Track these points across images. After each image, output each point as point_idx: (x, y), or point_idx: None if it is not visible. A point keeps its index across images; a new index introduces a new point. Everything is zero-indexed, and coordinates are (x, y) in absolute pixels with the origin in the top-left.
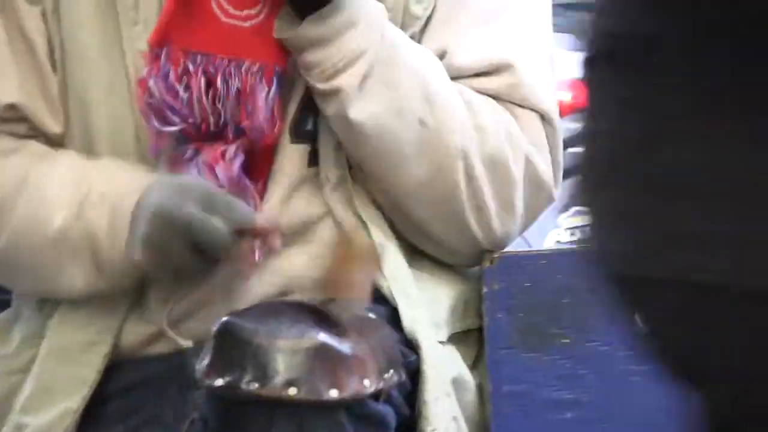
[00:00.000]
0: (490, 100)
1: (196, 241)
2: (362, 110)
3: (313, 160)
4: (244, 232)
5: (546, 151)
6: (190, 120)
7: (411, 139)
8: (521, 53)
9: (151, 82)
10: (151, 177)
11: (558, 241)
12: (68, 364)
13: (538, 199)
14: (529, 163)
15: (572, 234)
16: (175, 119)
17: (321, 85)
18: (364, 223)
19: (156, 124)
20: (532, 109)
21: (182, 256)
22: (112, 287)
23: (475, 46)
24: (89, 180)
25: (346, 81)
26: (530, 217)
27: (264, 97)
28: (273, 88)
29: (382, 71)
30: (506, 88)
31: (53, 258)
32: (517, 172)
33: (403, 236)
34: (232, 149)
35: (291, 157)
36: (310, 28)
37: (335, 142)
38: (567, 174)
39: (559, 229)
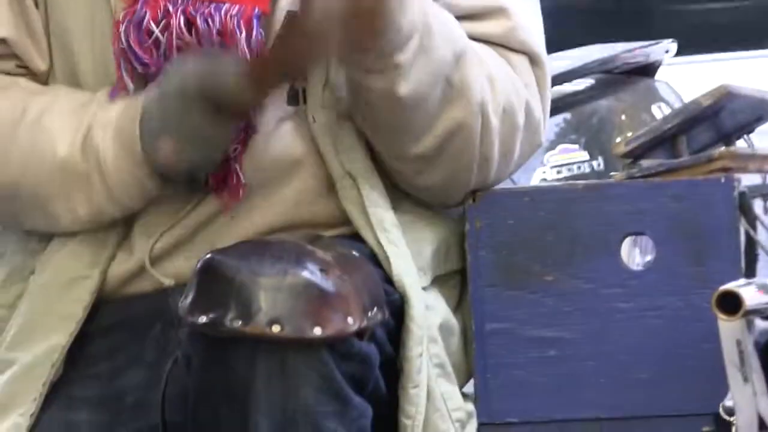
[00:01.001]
0: (488, 48)
1: (215, 103)
2: (409, 83)
3: (294, 99)
4: (253, 80)
5: (537, 95)
6: (153, 69)
7: (437, 98)
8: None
9: (122, 28)
10: (148, 88)
11: (544, 179)
12: (56, 299)
13: (531, 143)
14: (528, 108)
15: (558, 172)
16: (139, 66)
17: (377, 64)
18: (348, 172)
19: (124, 68)
20: (522, 52)
21: (206, 123)
22: (119, 211)
23: None
24: (91, 108)
25: (403, 57)
26: (522, 161)
27: (245, 38)
28: (254, 32)
29: (423, 41)
30: (503, 32)
31: (58, 188)
32: (521, 119)
33: (389, 181)
34: None
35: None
36: None
37: (322, 83)
38: (555, 111)
39: (545, 167)
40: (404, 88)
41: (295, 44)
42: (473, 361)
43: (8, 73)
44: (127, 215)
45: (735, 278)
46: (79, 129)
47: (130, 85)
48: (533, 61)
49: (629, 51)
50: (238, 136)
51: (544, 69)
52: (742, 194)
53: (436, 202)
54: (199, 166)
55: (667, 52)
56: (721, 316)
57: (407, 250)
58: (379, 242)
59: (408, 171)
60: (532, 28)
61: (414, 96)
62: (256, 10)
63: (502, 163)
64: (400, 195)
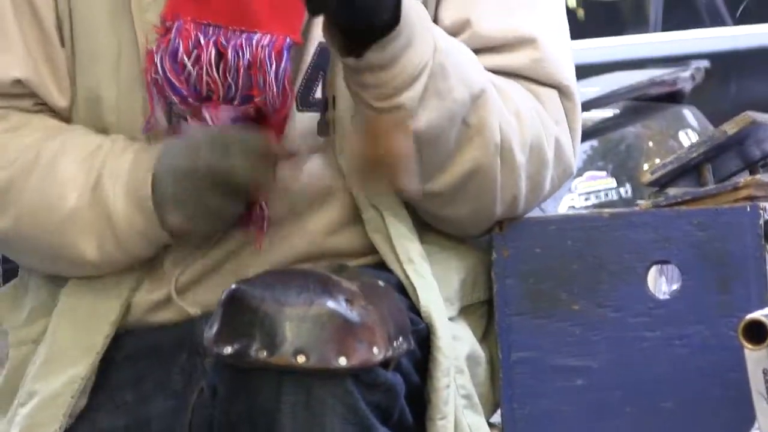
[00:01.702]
0: (514, 83)
1: (226, 185)
2: (419, 122)
3: (324, 129)
4: (266, 159)
5: (566, 128)
6: (190, 99)
7: (453, 139)
8: (542, 25)
9: (157, 58)
10: (159, 147)
11: (572, 206)
12: (77, 330)
13: (562, 177)
14: (558, 144)
15: (586, 199)
16: (174, 97)
17: (380, 104)
18: (373, 204)
19: (156, 99)
20: (551, 86)
21: (215, 203)
22: (128, 261)
23: (497, 15)
24: (101, 157)
25: (407, 98)
26: (552, 193)
27: (275, 70)
28: (284, 61)
29: (437, 81)
30: (531, 63)
31: (65, 236)
32: (550, 155)
33: (417, 214)
34: (229, 109)
35: (300, 126)
36: (370, 55)
37: (350, 114)
38: (582, 138)
39: (573, 194)
40: (413, 127)
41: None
42: (500, 391)
43: (27, 111)
44: (143, 259)
45: (761, 307)
46: (88, 178)
47: (162, 120)
48: (563, 93)
49: (657, 78)
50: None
51: (575, 101)
52: (767, 222)
53: (462, 234)
54: (211, 230)
55: (693, 79)
56: (747, 345)
57: (434, 281)
58: (405, 273)
59: (429, 206)
60: (561, 59)
61: (426, 135)
62: (288, 40)
63: (530, 197)
64: (427, 226)
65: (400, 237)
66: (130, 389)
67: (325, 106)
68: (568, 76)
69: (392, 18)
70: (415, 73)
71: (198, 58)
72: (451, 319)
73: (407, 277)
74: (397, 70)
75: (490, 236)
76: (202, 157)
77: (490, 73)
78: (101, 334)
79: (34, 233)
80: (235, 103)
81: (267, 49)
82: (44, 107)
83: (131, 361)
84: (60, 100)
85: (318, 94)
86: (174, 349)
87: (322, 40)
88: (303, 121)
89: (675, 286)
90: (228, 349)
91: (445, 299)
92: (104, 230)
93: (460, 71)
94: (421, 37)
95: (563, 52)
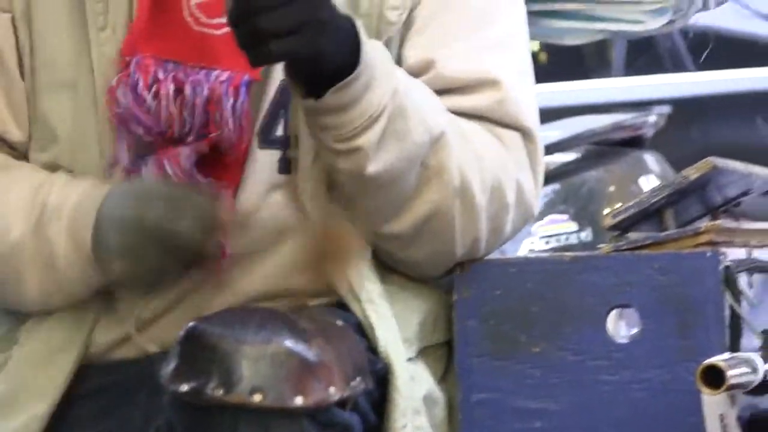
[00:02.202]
0: (476, 125)
1: (171, 245)
2: (377, 164)
3: (285, 167)
4: (214, 227)
5: (528, 171)
6: (155, 130)
7: (413, 181)
8: (507, 67)
9: (119, 92)
10: (106, 187)
11: (532, 250)
12: (38, 368)
13: (522, 219)
14: (519, 187)
15: (547, 242)
16: (139, 129)
17: (338, 146)
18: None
19: (121, 135)
20: (514, 128)
21: (159, 260)
22: (67, 300)
23: (462, 57)
24: (44, 192)
25: (366, 141)
26: (513, 235)
27: (231, 106)
28: (241, 96)
29: (395, 123)
30: (494, 105)
31: (9, 270)
32: (511, 197)
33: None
34: (186, 150)
35: (261, 163)
36: (329, 98)
37: (312, 155)
38: (544, 182)
39: (533, 237)
40: (372, 169)
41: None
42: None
43: None
44: (83, 300)
45: (719, 352)
46: (32, 212)
47: (124, 156)
48: (525, 136)
49: (619, 122)
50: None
51: (536, 144)
52: (727, 268)
53: (423, 276)
54: (148, 284)
55: (656, 123)
56: (704, 389)
57: (394, 322)
58: (365, 313)
59: (389, 248)
60: (524, 102)
61: (385, 177)
62: (246, 76)
63: (491, 240)
64: (388, 266)
65: (360, 278)
66: (91, 424)
67: (287, 143)
68: (531, 119)
69: (351, 62)
70: (375, 114)
71: (157, 93)
72: (410, 359)
73: (366, 317)
74: (356, 113)
75: (450, 277)
76: (152, 213)
77: (452, 115)
78: (63, 372)
79: None
80: (190, 139)
81: (225, 84)
82: (1, 142)
83: (93, 395)
84: (16, 134)
85: (280, 131)
86: (134, 386)
87: (284, 78)
88: (264, 159)
89: (635, 330)
90: (185, 387)
91: (404, 340)
92: (45, 265)
93: (421, 113)
94: (381, 79)
95: (527, 95)
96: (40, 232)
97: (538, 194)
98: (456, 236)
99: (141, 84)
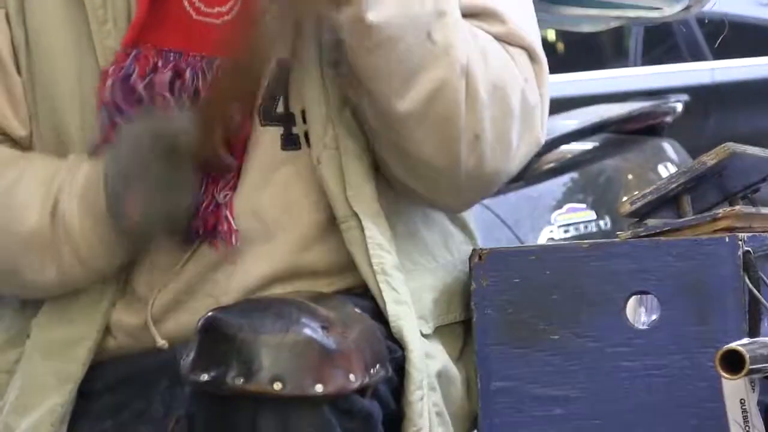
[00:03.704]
0: (485, 33)
1: (170, 150)
2: (379, 13)
3: (289, 143)
4: (209, 127)
5: (534, 87)
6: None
7: (418, 54)
8: (506, 4)
9: (109, 82)
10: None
11: (551, 239)
12: (53, 360)
13: (528, 138)
14: (524, 101)
15: (566, 231)
16: (121, 120)
17: None
18: (355, 214)
19: (105, 119)
20: (520, 46)
21: (164, 171)
22: (88, 278)
23: None
24: (57, 182)
25: None
26: (520, 156)
27: None
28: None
29: None
30: (500, 29)
31: (29, 258)
32: (515, 104)
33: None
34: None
35: (261, 141)
36: None
37: (323, 124)
38: (562, 171)
39: (552, 226)
40: (372, 16)
41: (233, 71)
42: (477, 416)
43: None
44: (97, 281)
45: (739, 337)
46: (47, 199)
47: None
48: (531, 57)
49: (636, 111)
50: (227, 183)
51: (542, 65)
52: (746, 253)
53: (436, 197)
54: (168, 217)
55: (673, 112)
56: (724, 375)
57: (407, 295)
58: (379, 287)
59: (395, 137)
60: (527, 28)
61: (387, 31)
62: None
63: (497, 150)
64: (406, 242)
65: (376, 248)
66: (110, 417)
67: (288, 120)
68: (534, 40)
69: None
70: None
71: (151, 82)
72: (426, 336)
73: (380, 291)
74: None
75: (467, 263)
76: (143, 132)
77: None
78: (79, 363)
79: None
80: None
81: None
82: (4, 137)
83: (112, 388)
84: (19, 130)
85: (281, 108)
86: (154, 377)
87: (279, 56)
88: (265, 135)
89: (654, 317)
90: (205, 377)
91: (419, 317)
92: (63, 246)
93: None
94: None
95: (528, 22)
96: (55, 214)
97: (544, 115)
98: (461, 123)
99: (135, 75)
